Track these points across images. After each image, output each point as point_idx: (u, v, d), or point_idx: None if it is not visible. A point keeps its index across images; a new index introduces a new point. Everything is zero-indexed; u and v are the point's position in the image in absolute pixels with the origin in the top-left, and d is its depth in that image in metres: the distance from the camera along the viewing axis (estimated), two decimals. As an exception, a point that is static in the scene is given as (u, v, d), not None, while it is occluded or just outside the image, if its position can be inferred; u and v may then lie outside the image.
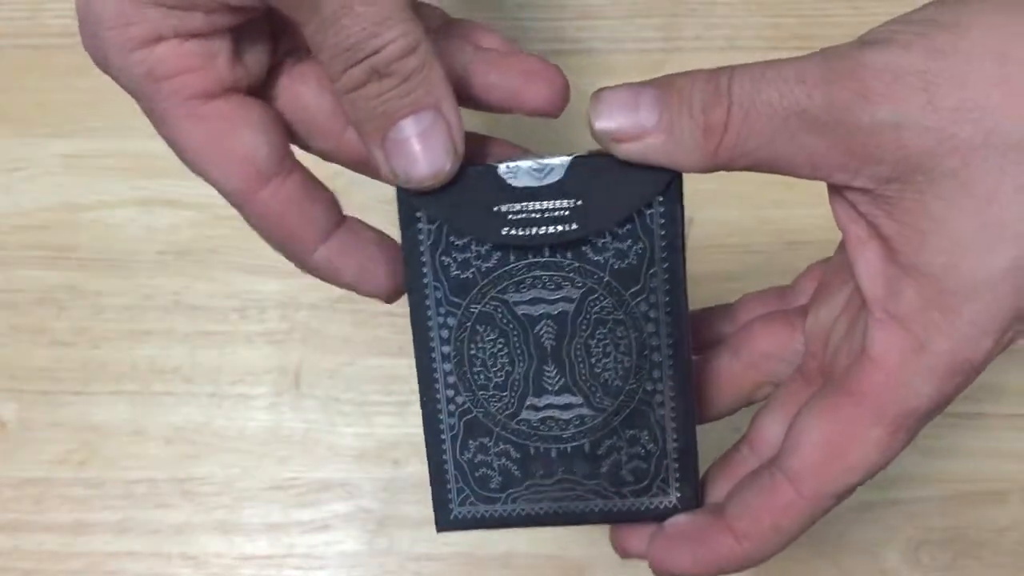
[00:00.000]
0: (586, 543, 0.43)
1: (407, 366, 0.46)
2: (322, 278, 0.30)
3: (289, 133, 0.29)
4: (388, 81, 0.25)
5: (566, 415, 0.29)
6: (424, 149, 0.26)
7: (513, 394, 0.29)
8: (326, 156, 0.31)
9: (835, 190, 0.26)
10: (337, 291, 0.46)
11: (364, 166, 0.29)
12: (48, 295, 0.46)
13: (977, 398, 0.44)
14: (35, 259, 0.47)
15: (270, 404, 0.45)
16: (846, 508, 0.43)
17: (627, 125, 0.26)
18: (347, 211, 0.47)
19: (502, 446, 0.29)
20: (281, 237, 0.29)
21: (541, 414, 0.29)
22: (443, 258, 0.29)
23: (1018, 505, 0.43)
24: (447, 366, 0.29)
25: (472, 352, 0.29)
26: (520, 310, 0.29)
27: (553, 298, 0.28)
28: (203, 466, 0.44)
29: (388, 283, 0.30)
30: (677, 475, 0.30)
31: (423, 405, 0.29)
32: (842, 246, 0.28)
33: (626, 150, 0.26)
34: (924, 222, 0.24)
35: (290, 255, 0.29)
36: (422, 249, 0.29)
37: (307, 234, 0.29)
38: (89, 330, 0.46)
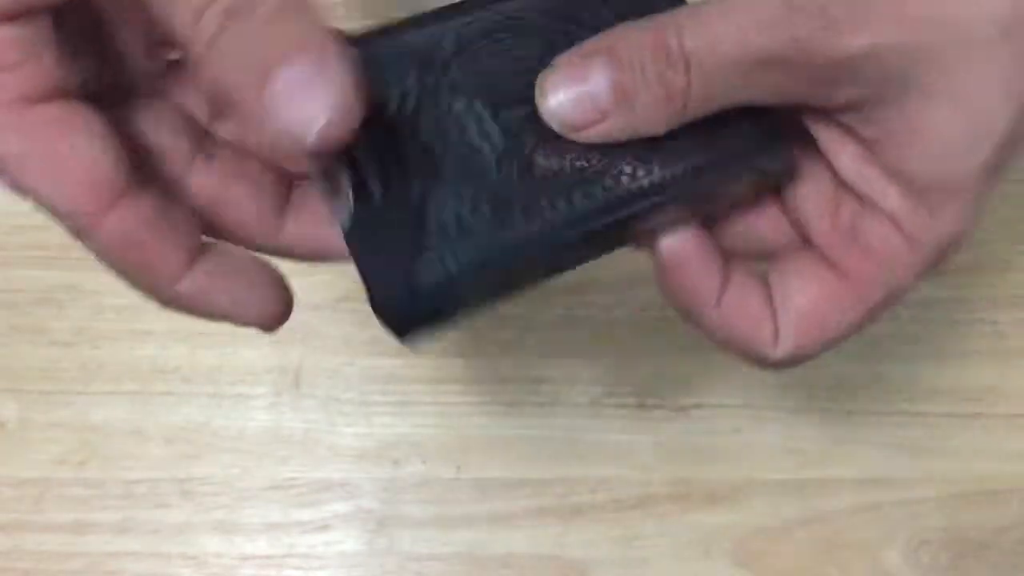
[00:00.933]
0: (587, 543, 0.43)
1: (407, 366, 0.46)
2: (188, 311, 0.25)
3: (192, 128, 0.26)
4: (253, 20, 0.21)
5: None
6: (321, 86, 0.21)
7: None
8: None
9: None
10: (338, 291, 0.46)
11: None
12: (48, 295, 0.46)
13: (977, 398, 0.44)
14: (35, 259, 0.47)
15: (270, 404, 0.45)
16: (846, 508, 0.43)
17: (585, 117, 0.25)
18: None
19: None
20: (138, 267, 0.24)
21: None
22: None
23: (1019, 505, 0.43)
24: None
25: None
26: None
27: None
28: (203, 466, 0.44)
29: (272, 308, 0.26)
30: None
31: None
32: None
33: (588, 136, 0.25)
34: (904, 130, 0.24)
35: (148, 287, 0.25)
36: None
37: (170, 261, 0.24)
38: (89, 330, 0.46)
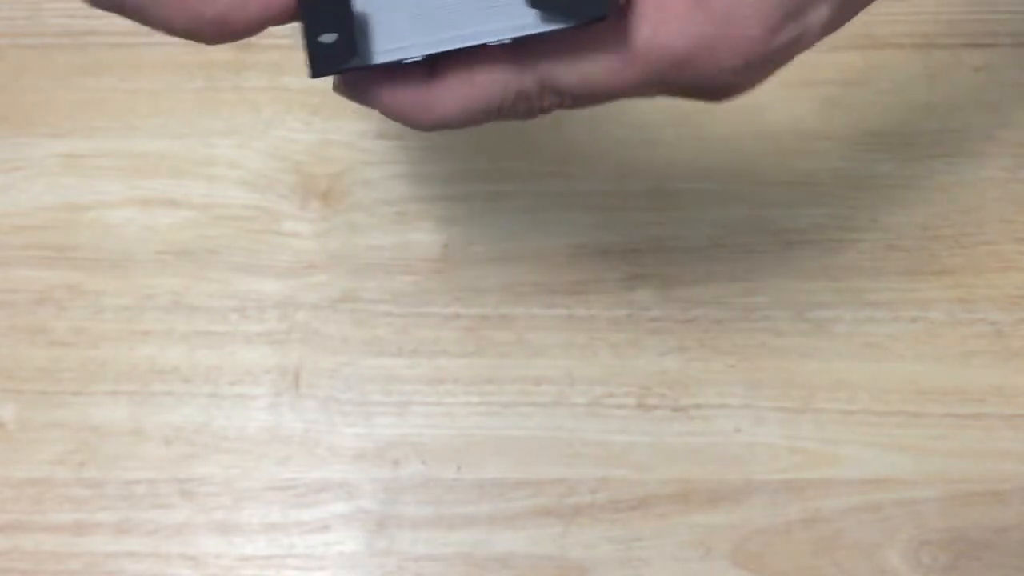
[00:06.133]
0: (587, 543, 0.43)
1: (407, 366, 0.46)
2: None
3: None
4: None
5: None
6: None
7: None
8: None
9: None
10: (337, 291, 0.46)
11: None
12: (47, 295, 0.46)
13: (978, 398, 0.44)
14: (34, 259, 0.47)
15: (270, 404, 0.45)
16: (846, 508, 0.43)
17: None
18: (347, 211, 0.47)
19: None
20: None
21: None
22: None
23: (1019, 505, 0.43)
24: None
25: None
26: None
27: None
28: (203, 466, 0.44)
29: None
30: None
31: None
32: None
33: None
34: None
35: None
36: None
37: None
38: (88, 330, 0.46)
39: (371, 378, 0.45)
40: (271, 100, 0.49)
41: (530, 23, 0.26)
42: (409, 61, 0.27)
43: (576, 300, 0.46)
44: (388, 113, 0.28)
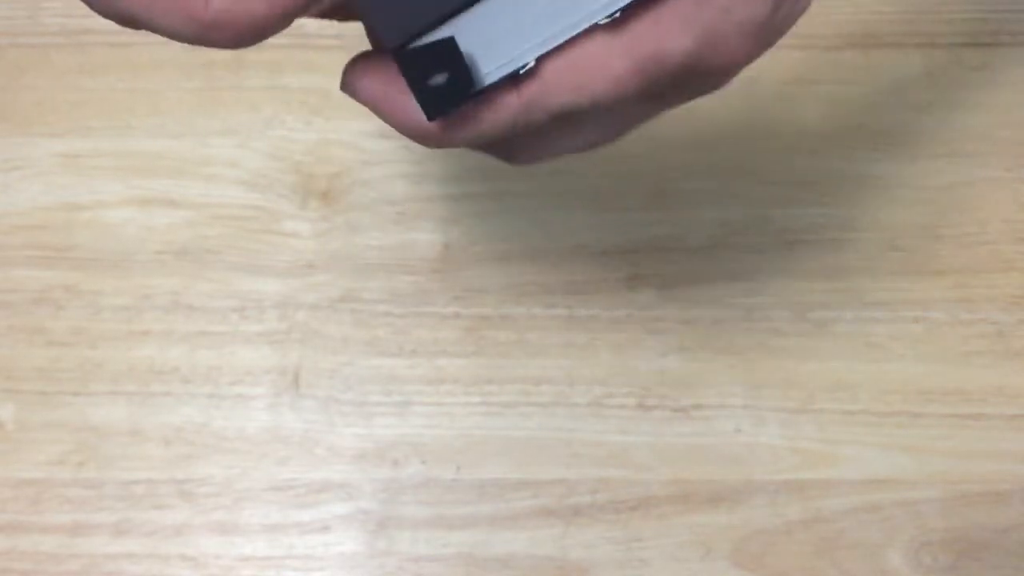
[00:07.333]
0: (587, 544, 0.43)
1: (407, 366, 0.46)
2: (236, 34, 0.24)
3: None
4: None
5: None
6: None
7: None
8: None
9: None
10: (337, 291, 0.46)
11: None
12: (46, 295, 0.46)
13: (979, 398, 0.44)
14: (33, 259, 0.47)
15: (269, 404, 0.45)
16: (847, 508, 0.43)
17: None
18: (347, 211, 0.47)
19: None
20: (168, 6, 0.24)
21: None
22: None
23: (1020, 505, 0.43)
24: None
25: None
26: None
27: None
28: (202, 467, 0.44)
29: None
30: None
31: None
32: None
33: None
34: None
35: (190, 27, 0.24)
36: None
37: None
38: (87, 330, 0.45)
39: (371, 378, 0.45)
40: (271, 100, 0.49)
41: None
42: (524, 70, 0.26)
43: (576, 300, 0.46)
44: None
